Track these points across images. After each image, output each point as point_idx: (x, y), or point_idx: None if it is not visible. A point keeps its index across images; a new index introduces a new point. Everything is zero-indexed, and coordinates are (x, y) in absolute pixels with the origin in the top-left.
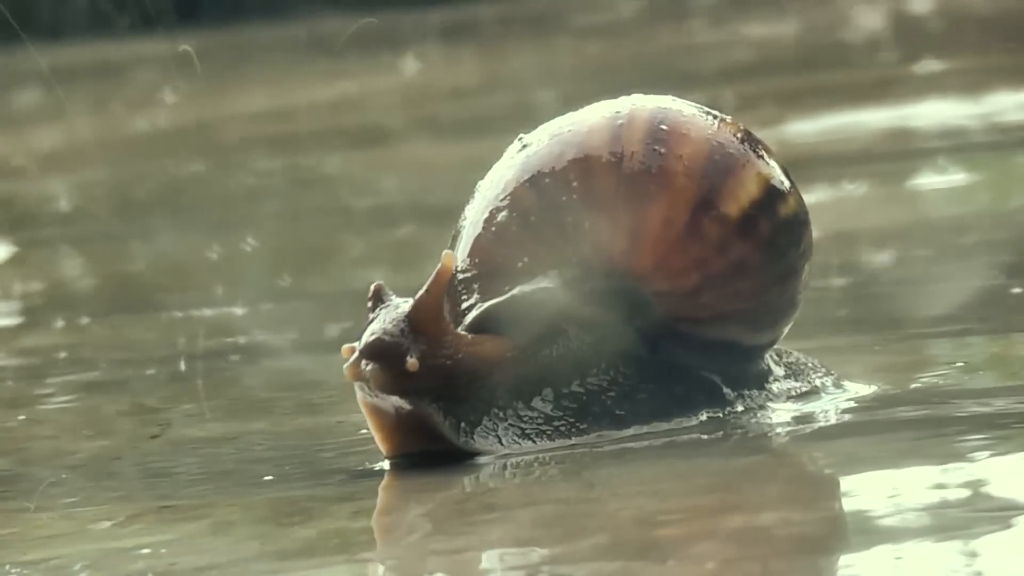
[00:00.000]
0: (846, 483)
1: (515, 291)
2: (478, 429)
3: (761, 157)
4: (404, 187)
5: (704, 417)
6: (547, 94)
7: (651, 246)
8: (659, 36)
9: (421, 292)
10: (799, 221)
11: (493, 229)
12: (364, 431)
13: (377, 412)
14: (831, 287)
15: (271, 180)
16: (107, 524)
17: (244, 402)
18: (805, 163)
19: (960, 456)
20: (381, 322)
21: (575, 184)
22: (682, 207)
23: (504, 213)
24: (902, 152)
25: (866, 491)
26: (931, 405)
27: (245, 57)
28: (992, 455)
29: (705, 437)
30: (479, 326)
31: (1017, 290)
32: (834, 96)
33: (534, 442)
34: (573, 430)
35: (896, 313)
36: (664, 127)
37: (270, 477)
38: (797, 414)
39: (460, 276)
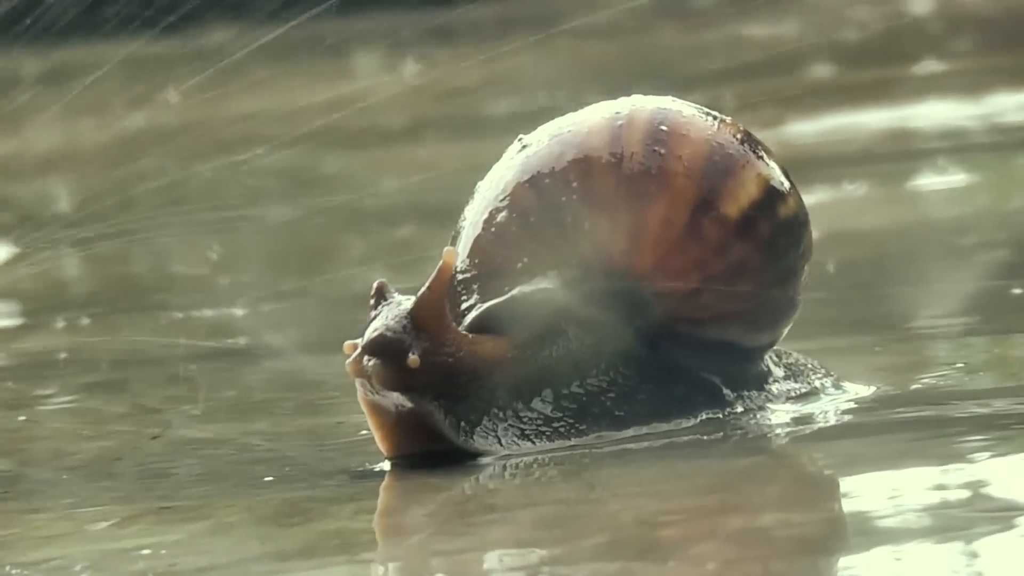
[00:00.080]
0: (846, 484)
1: (515, 291)
2: (478, 429)
3: (761, 158)
4: (404, 187)
5: (704, 418)
6: (547, 95)
7: (651, 247)
8: (659, 36)
9: (423, 289)
10: (799, 222)
11: (493, 229)
12: (364, 432)
13: (377, 410)
14: (831, 288)
15: (271, 181)
16: (107, 525)
17: (244, 403)
18: (805, 164)
19: (960, 457)
20: (384, 319)
21: (575, 185)
22: (682, 208)
23: (504, 213)
24: (902, 153)
25: (866, 492)
26: (931, 406)
27: (245, 58)
28: (992, 456)
29: (705, 438)
30: (479, 326)
31: (1017, 291)
32: (834, 97)
33: (533, 443)
34: (572, 431)
35: (896, 314)
36: (664, 128)
37: (270, 478)
38: (797, 415)
39: (460, 276)
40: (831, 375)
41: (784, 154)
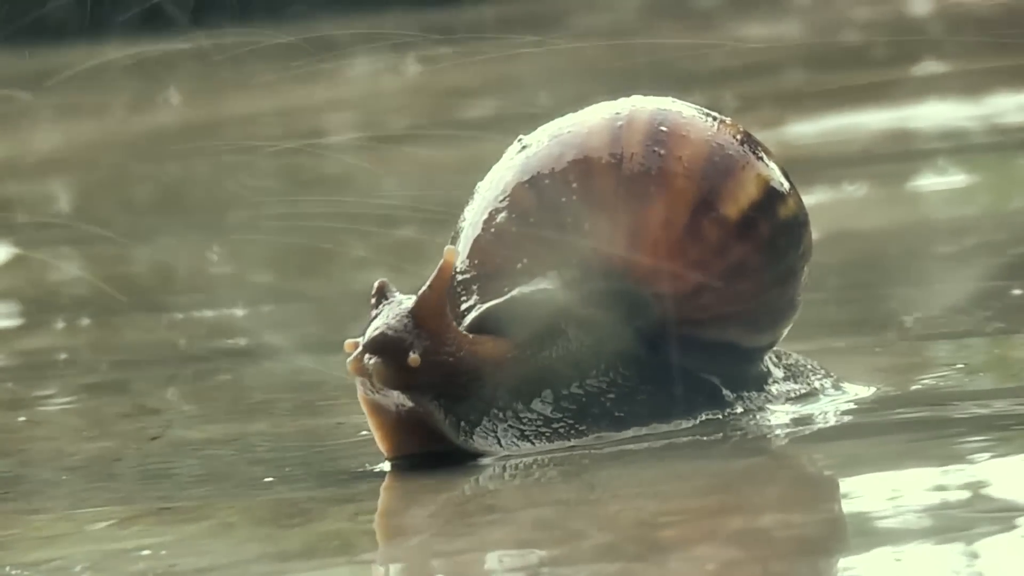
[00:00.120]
0: (846, 485)
1: (514, 292)
2: (478, 429)
3: (761, 159)
4: (404, 188)
5: (703, 419)
6: (547, 95)
7: (651, 247)
8: (659, 37)
9: (424, 288)
10: (798, 223)
11: (492, 230)
12: (364, 432)
13: (377, 410)
14: (831, 288)
15: (272, 181)
16: (107, 525)
17: (244, 403)
18: (805, 164)
19: (960, 458)
20: (385, 317)
21: (575, 185)
22: (682, 208)
23: (503, 214)
24: (902, 153)
25: (866, 493)
26: (931, 407)
27: (245, 58)
28: (992, 457)
29: (705, 439)
30: (479, 327)
31: (1017, 291)
32: (834, 97)
33: (533, 443)
34: (572, 432)
35: (896, 315)
36: (664, 128)
37: (270, 478)
38: (796, 416)
39: (459, 277)
40: (831, 376)
41: (784, 155)
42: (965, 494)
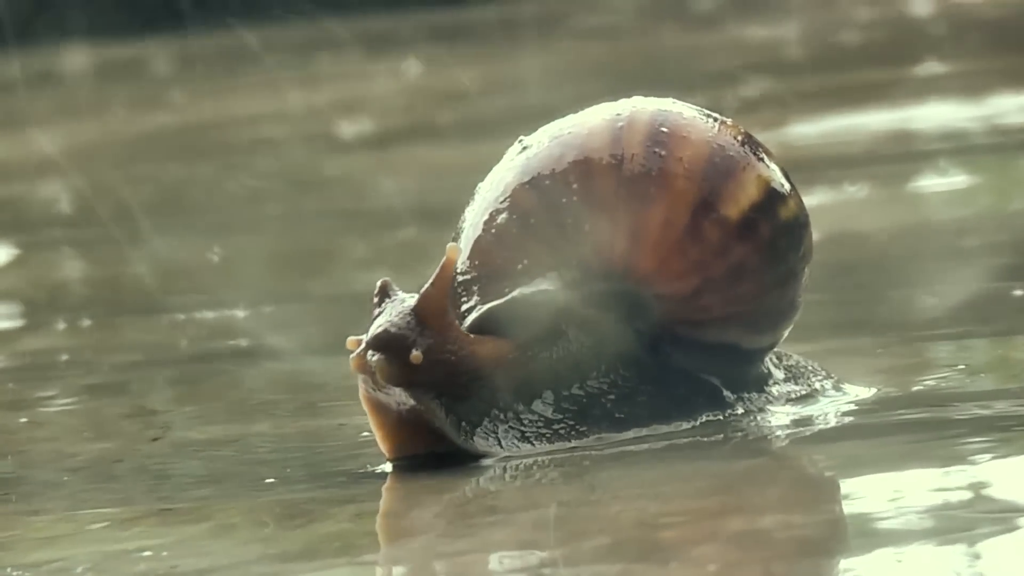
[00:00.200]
0: (847, 486)
1: (515, 293)
2: (478, 430)
3: (761, 160)
4: (405, 189)
5: (704, 420)
6: (547, 96)
7: (651, 248)
8: (660, 38)
9: (426, 286)
10: (799, 224)
11: (493, 231)
12: (366, 433)
13: (379, 409)
14: (832, 289)
15: (273, 182)
16: (108, 526)
17: (245, 404)
18: (806, 165)
19: (961, 459)
20: (388, 315)
21: (575, 186)
22: (682, 209)
23: (504, 215)
24: (903, 154)
25: (867, 494)
26: (932, 408)
27: (246, 59)
28: (994, 458)
29: (705, 440)
30: (479, 328)
31: (1018, 292)
32: (835, 98)
33: (533, 445)
34: (573, 432)
35: (897, 316)
36: (664, 129)
37: (271, 479)
38: (797, 417)
39: (460, 278)
40: (832, 377)
41: (785, 156)
42: (966, 495)
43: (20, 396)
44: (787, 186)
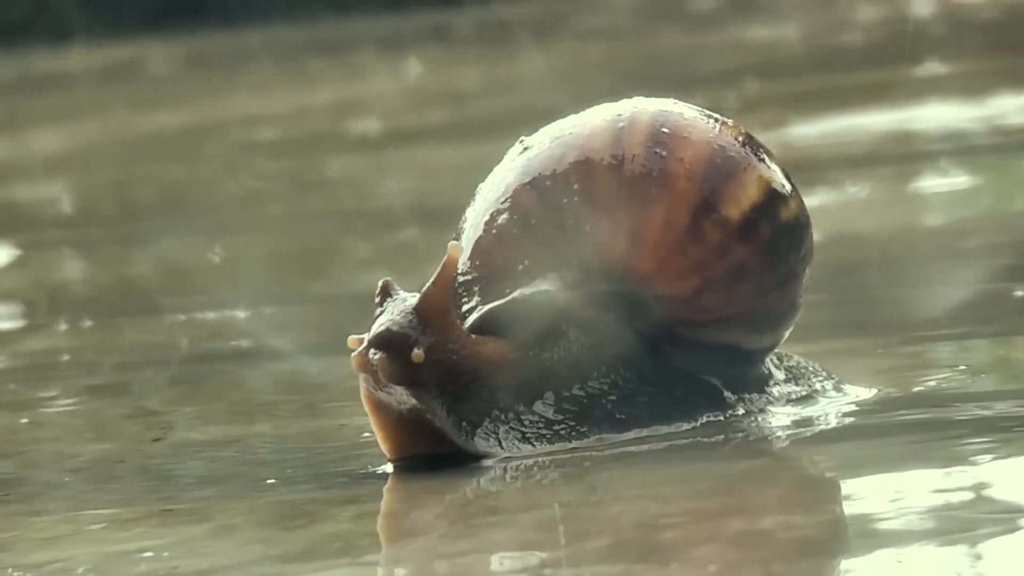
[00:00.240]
0: (848, 486)
1: (516, 294)
2: (479, 430)
3: (762, 160)
4: (406, 190)
5: (704, 420)
6: (548, 97)
7: (652, 249)
8: (661, 39)
9: (428, 284)
10: (800, 224)
11: (494, 231)
12: (367, 434)
13: (380, 408)
14: (832, 290)
15: (274, 183)
16: (109, 527)
17: (246, 405)
18: (807, 166)
19: (962, 459)
20: (389, 314)
21: (576, 186)
22: (683, 210)
23: (505, 215)
24: (904, 155)
25: (868, 494)
26: (933, 408)
27: (247, 60)
28: (995, 458)
29: (706, 440)
30: (480, 328)
31: (1019, 293)
32: (836, 99)
33: (533, 446)
34: (573, 433)
35: (898, 316)
36: (665, 130)
37: (272, 480)
38: (797, 417)
39: (460, 279)
40: (832, 378)
41: (786, 156)
42: (967, 496)
43: (21, 397)
44: (788, 187)
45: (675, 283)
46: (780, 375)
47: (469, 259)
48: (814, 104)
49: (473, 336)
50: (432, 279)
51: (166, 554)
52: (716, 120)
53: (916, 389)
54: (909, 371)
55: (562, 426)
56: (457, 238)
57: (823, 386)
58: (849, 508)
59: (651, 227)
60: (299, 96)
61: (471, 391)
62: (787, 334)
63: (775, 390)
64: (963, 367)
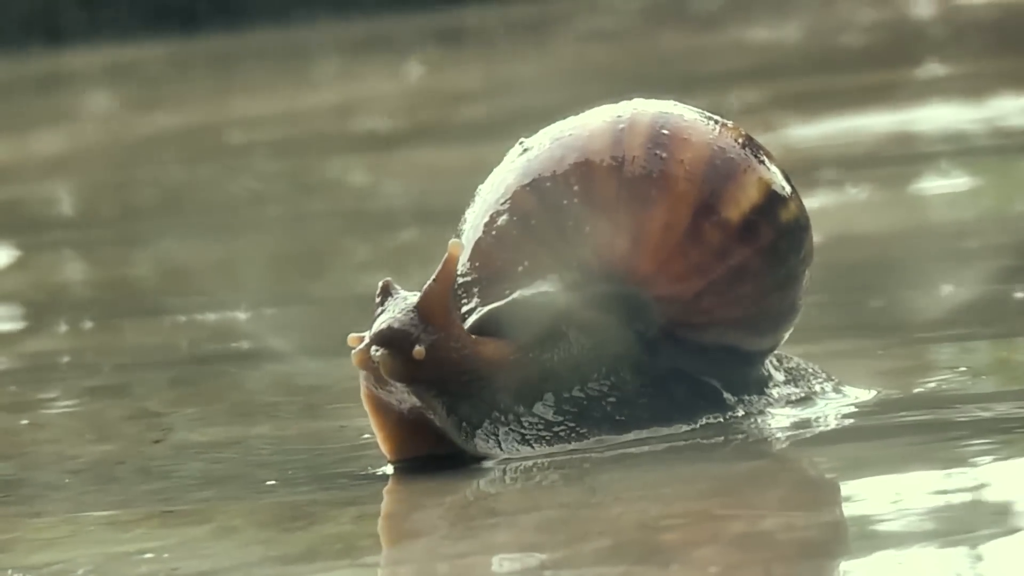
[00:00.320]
0: (848, 488)
1: (515, 295)
2: (479, 431)
3: (762, 162)
4: (406, 191)
5: (704, 422)
6: (548, 98)
7: (652, 250)
8: (661, 40)
9: (429, 282)
10: (800, 226)
11: (494, 233)
12: (367, 436)
13: (380, 408)
14: (833, 291)
15: (274, 184)
16: (109, 528)
17: (247, 406)
18: (808, 167)
19: (963, 461)
20: (391, 311)
21: (576, 188)
22: (683, 212)
23: (505, 217)
24: (905, 156)
25: (868, 496)
26: (934, 410)
27: (247, 60)
28: (995, 460)
29: (705, 442)
30: (480, 329)
31: (1020, 294)
32: (837, 100)
33: (533, 448)
34: (573, 435)
35: (898, 318)
36: (665, 131)
37: (273, 481)
38: (797, 419)
39: (460, 280)
40: (832, 379)
41: (786, 158)
42: (968, 497)
43: (22, 398)
44: (788, 188)
45: (675, 285)
46: (780, 377)
47: (469, 260)
48: (814, 105)
49: (474, 336)
50: (433, 277)
51: (166, 555)
52: (716, 122)
53: (916, 390)
54: (909, 372)
55: (562, 427)
56: (457, 239)
57: (823, 388)
58: (849, 509)
59: (651, 229)
60: (299, 97)
61: (472, 391)
62: (787, 336)
63: (775, 392)
64: (963, 368)
